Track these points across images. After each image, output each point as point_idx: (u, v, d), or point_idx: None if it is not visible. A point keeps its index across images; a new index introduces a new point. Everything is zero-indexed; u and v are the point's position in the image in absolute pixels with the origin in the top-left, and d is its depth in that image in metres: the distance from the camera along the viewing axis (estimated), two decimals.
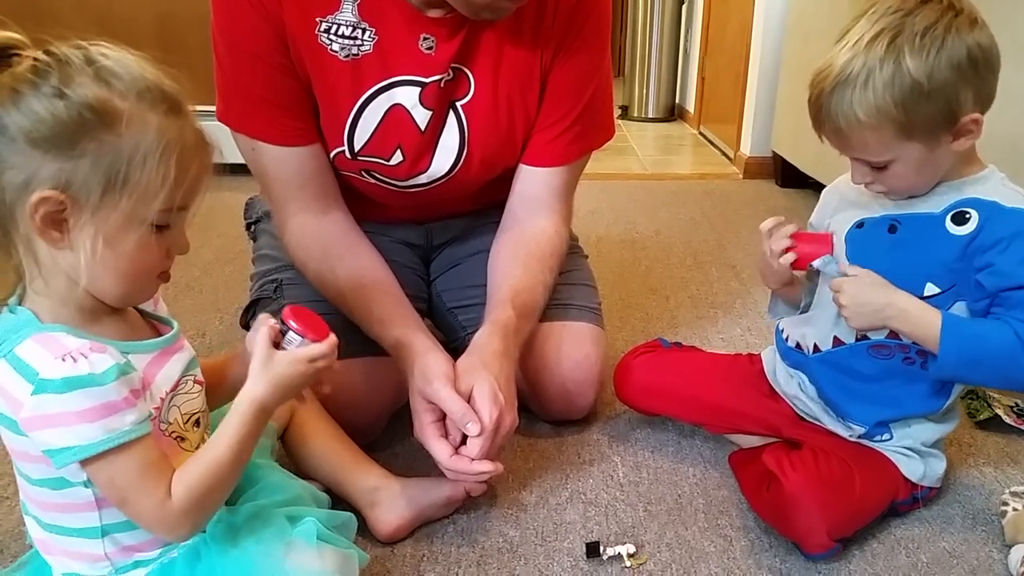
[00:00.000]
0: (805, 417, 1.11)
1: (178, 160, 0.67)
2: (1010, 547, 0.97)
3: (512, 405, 0.99)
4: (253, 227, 1.42)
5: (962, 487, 1.11)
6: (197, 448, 0.75)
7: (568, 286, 1.28)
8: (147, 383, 0.70)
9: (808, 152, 2.52)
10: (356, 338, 1.09)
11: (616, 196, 2.75)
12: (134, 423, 0.66)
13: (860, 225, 0.99)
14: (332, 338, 0.80)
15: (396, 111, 1.11)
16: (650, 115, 4.42)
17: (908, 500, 1.04)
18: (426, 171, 1.17)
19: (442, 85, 1.11)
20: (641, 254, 2.14)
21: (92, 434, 0.64)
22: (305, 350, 0.77)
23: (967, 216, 0.91)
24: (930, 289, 0.94)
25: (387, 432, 1.18)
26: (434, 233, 1.34)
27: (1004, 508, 1.01)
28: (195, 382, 0.78)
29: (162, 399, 0.73)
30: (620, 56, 4.89)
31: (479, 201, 1.29)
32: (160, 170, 0.66)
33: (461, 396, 0.95)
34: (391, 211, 1.26)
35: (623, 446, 1.21)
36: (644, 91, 4.42)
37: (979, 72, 0.86)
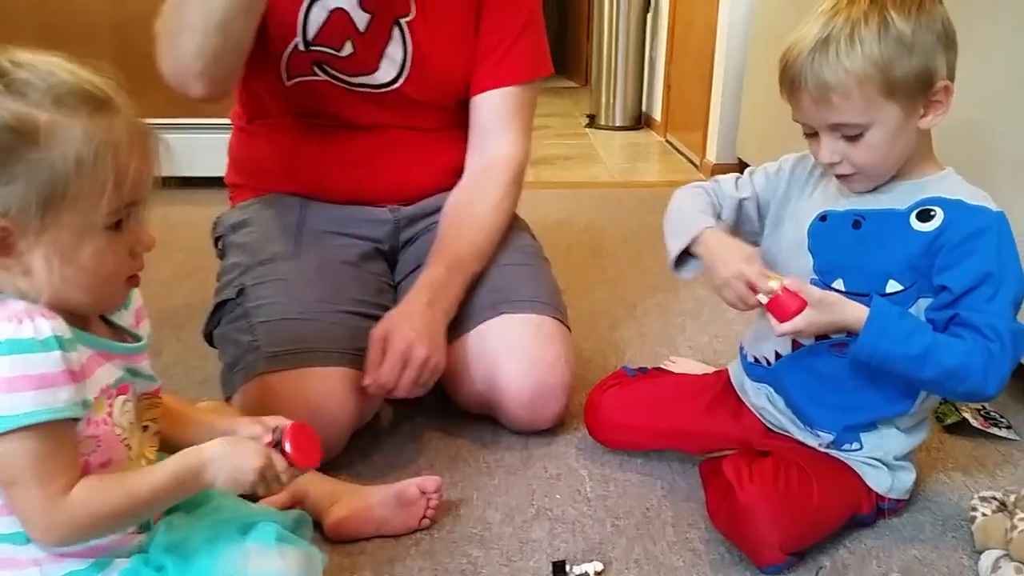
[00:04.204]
0: (774, 429, 1.09)
1: (114, 160, 0.64)
2: (980, 553, 0.96)
3: (428, 342, 1.09)
4: (220, 240, 1.39)
5: (931, 493, 1.10)
6: (138, 457, 0.73)
7: (534, 283, 1.26)
8: (86, 374, 0.67)
9: (774, 158, 2.52)
10: (317, 347, 1.08)
11: (584, 205, 2.74)
12: (67, 402, 0.63)
13: (823, 219, 0.98)
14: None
15: (338, 13, 1.20)
16: (617, 123, 4.42)
17: (872, 514, 1.02)
18: (374, 73, 1.24)
19: None
20: (608, 262, 2.13)
21: (24, 403, 0.61)
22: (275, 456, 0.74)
23: (932, 213, 0.91)
24: (892, 286, 0.93)
25: (349, 450, 1.14)
26: (402, 223, 1.32)
27: (973, 514, 0.99)
28: (137, 392, 0.74)
29: (110, 398, 0.70)
30: (587, 65, 4.89)
31: (440, 160, 1.32)
32: (98, 174, 0.64)
33: (378, 339, 1.08)
34: (352, 163, 1.28)
35: (591, 459, 1.19)
36: (611, 99, 4.41)
37: (949, 42, 0.89)
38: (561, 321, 1.24)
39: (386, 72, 1.25)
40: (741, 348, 1.14)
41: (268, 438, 0.77)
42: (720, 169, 3.01)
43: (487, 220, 1.26)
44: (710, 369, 1.33)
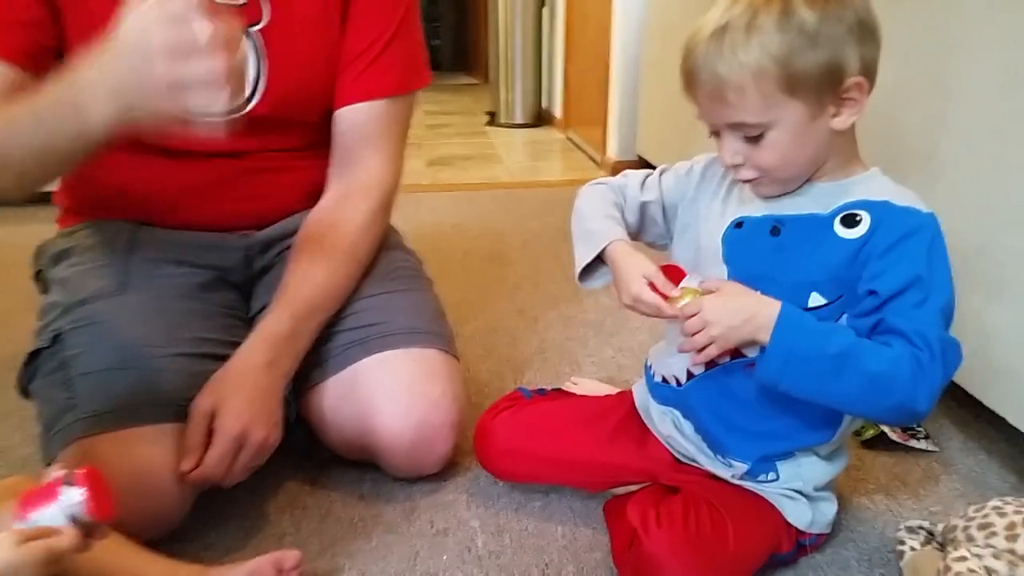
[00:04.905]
0: (682, 459, 0.98)
1: None
2: None
3: (266, 418, 0.92)
4: (41, 274, 1.19)
5: (854, 522, 1.01)
6: None
7: (412, 310, 1.11)
8: None
9: (673, 155, 2.46)
10: (145, 401, 0.91)
11: (483, 207, 2.61)
12: None
13: (739, 225, 0.88)
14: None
15: None
16: (517, 121, 4.32)
17: (792, 552, 0.93)
18: None
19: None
20: (509, 270, 2.00)
21: None
22: (49, 542, 0.59)
23: (858, 218, 0.81)
24: (815, 300, 0.83)
25: (198, 515, 0.96)
26: (254, 250, 1.15)
27: (901, 548, 0.90)
28: None
29: None
30: (485, 61, 4.77)
31: (305, 181, 1.15)
32: None
33: (203, 414, 0.90)
34: (198, 192, 1.09)
35: (483, 507, 1.05)
36: (510, 96, 4.31)
37: (865, 34, 0.78)
38: (446, 351, 1.09)
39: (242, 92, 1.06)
40: (647, 367, 1.02)
41: (54, 475, 0.63)
42: (622, 166, 2.91)
43: (346, 256, 1.08)
44: (614, 391, 1.22)
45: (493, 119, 4.38)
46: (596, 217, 0.96)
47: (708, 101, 0.80)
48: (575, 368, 1.44)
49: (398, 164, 1.16)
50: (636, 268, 0.88)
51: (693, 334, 0.83)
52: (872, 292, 0.79)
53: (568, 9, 3.73)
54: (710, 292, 0.84)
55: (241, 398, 0.91)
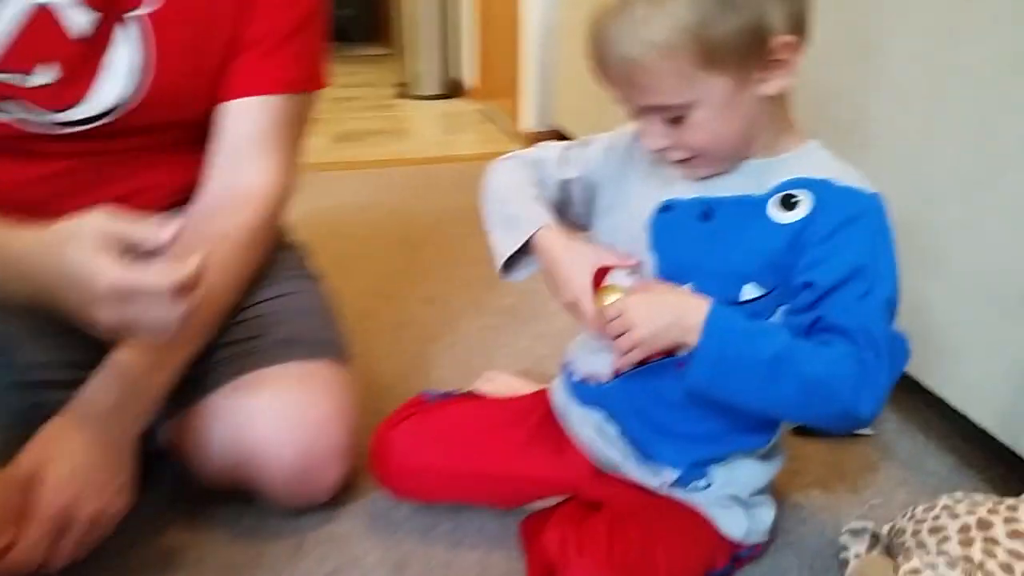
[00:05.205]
0: (605, 469, 0.88)
1: None
2: None
3: (101, 486, 0.76)
4: None
5: (792, 523, 0.93)
6: None
7: (296, 317, 0.97)
8: None
9: (592, 125, 2.36)
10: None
11: (391, 186, 2.45)
12: None
13: (667, 208, 0.77)
14: None
15: (40, 15, 0.85)
16: (429, 92, 4.14)
17: (727, 567, 0.84)
18: (86, 99, 0.89)
19: None
20: (419, 254, 1.86)
21: None
22: None
23: (796, 200, 0.71)
24: (750, 292, 0.73)
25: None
26: None
27: (845, 554, 0.82)
28: None
29: None
30: (395, 31, 4.57)
31: (171, 181, 0.99)
32: None
33: (20, 482, 0.72)
34: (49, 197, 0.91)
35: (382, 535, 0.92)
36: (421, 66, 4.12)
37: None
38: (335, 360, 0.95)
39: (111, 93, 0.90)
40: (566, 363, 0.92)
41: None
42: (539, 138, 2.82)
43: (225, 277, 0.92)
44: (531, 387, 1.11)
45: (403, 91, 4.20)
46: (517, 198, 0.85)
47: (619, 85, 0.70)
48: (489, 360, 1.33)
49: (291, 171, 1.00)
50: (581, 263, 0.78)
51: (617, 336, 0.74)
52: (808, 284, 0.70)
53: None
54: (637, 289, 0.75)
55: (69, 461, 0.74)
